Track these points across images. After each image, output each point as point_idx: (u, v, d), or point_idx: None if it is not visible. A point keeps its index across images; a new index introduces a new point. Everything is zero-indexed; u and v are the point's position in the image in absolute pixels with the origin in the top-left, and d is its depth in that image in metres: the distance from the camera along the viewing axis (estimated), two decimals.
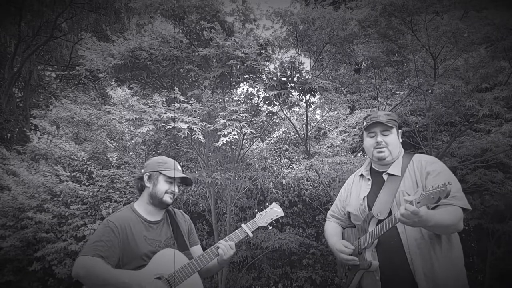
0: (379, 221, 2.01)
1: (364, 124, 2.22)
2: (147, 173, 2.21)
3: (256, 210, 2.47)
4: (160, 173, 2.18)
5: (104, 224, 2.07)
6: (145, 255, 2.05)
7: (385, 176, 2.15)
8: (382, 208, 2.04)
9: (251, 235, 2.27)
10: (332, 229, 2.40)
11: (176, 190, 2.24)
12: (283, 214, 2.45)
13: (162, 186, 2.18)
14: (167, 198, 2.19)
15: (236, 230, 2.27)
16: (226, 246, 2.17)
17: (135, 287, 1.92)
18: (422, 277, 1.91)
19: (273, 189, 6.34)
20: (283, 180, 6.47)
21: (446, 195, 1.67)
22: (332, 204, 2.53)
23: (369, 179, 2.24)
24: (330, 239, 2.34)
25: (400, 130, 2.23)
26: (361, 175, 2.31)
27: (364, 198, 2.16)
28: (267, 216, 2.38)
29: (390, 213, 1.99)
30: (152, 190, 2.18)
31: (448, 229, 1.91)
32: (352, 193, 2.30)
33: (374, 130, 2.17)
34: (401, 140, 2.23)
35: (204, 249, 2.31)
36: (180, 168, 2.28)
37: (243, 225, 2.29)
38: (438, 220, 1.80)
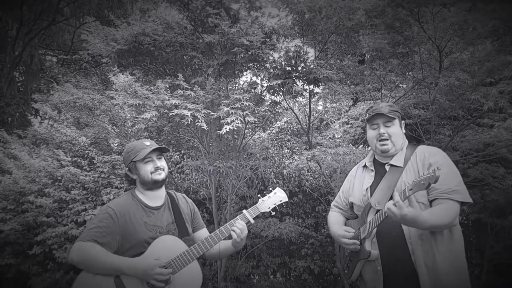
0: (377, 211, 2.02)
1: (366, 116, 2.21)
2: (127, 168, 2.21)
3: (259, 196, 2.39)
4: (134, 161, 2.16)
5: (103, 210, 2.07)
6: (145, 241, 2.04)
7: (387, 167, 2.15)
8: (380, 198, 2.05)
9: (252, 221, 2.21)
10: (334, 218, 2.42)
11: (160, 163, 2.19)
12: (287, 199, 2.39)
13: (144, 169, 2.15)
14: (156, 176, 2.16)
15: (237, 216, 2.23)
16: (241, 228, 2.15)
17: (129, 272, 1.92)
18: (423, 267, 1.92)
19: (274, 179, 6.35)
20: (284, 170, 6.48)
21: (435, 180, 1.69)
22: (333, 195, 2.54)
23: (372, 170, 2.24)
24: (332, 227, 2.36)
25: (403, 121, 2.23)
26: (365, 166, 2.32)
27: (367, 189, 2.17)
28: (269, 202, 2.33)
29: None
30: (140, 179, 2.18)
31: (440, 228, 1.92)
32: (355, 184, 2.31)
33: (377, 122, 2.16)
34: (404, 132, 2.22)
35: None
36: (148, 143, 2.20)
37: (244, 211, 2.24)
38: (427, 220, 1.81)
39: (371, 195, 2.12)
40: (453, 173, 1.99)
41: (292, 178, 6.44)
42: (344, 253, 2.32)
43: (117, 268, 1.92)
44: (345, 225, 2.34)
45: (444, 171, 1.92)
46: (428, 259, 1.92)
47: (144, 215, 2.12)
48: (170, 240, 2.10)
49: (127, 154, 2.20)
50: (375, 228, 2.02)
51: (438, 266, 1.91)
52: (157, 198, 2.21)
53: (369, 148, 2.37)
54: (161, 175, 2.17)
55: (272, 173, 6.38)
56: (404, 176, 2.04)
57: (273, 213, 2.33)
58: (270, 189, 2.35)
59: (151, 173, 2.15)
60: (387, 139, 2.12)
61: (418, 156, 2.09)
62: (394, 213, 1.77)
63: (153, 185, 2.17)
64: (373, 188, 2.15)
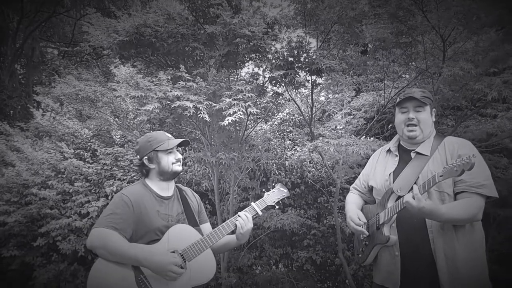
0: (399, 197, 2.00)
1: (397, 100, 2.17)
2: (145, 157, 2.21)
3: (263, 190, 2.48)
4: (157, 150, 2.18)
5: (118, 197, 2.09)
6: (158, 229, 2.08)
7: (413, 154, 2.13)
8: (403, 184, 2.03)
9: (260, 213, 2.29)
10: (352, 198, 2.43)
11: (179, 156, 2.26)
12: (289, 195, 2.50)
13: (166, 160, 2.19)
14: (176, 167, 2.22)
15: (246, 208, 2.29)
16: (244, 218, 2.21)
17: (145, 264, 1.94)
18: (443, 257, 1.91)
19: (276, 171, 6.35)
20: (286, 162, 6.47)
21: (470, 167, 1.66)
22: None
23: (396, 156, 2.22)
24: (347, 205, 2.38)
25: (434, 109, 2.18)
26: (389, 150, 2.29)
27: (390, 174, 2.15)
28: (274, 196, 2.43)
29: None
30: (159, 169, 2.20)
31: (459, 222, 1.92)
32: (377, 168, 2.30)
33: (407, 106, 2.12)
34: (434, 120, 2.18)
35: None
36: (169, 135, 2.26)
37: (252, 203, 2.31)
38: (444, 214, 1.81)
39: (393, 181, 2.11)
40: (482, 167, 1.97)
41: (294, 170, 6.45)
42: (359, 237, 2.30)
43: (135, 258, 1.94)
44: (363, 210, 2.34)
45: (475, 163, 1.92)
46: (448, 250, 1.92)
47: (156, 204, 2.15)
48: (184, 228, 2.14)
49: (147, 143, 2.21)
50: (395, 215, 2.01)
51: (458, 258, 1.90)
52: (168, 189, 2.26)
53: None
54: (180, 167, 2.25)
55: (274, 164, 6.38)
56: (430, 164, 2.02)
57: (277, 207, 2.44)
58: (273, 184, 2.46)
59: (172, 163, 2.21)
60: (416, 125, 2.09)
61: (447, 146, 2.06)
62: (412, 206, 1.78)
63: (172, 175, 2.23)
64: (396, 173, 2.13)
